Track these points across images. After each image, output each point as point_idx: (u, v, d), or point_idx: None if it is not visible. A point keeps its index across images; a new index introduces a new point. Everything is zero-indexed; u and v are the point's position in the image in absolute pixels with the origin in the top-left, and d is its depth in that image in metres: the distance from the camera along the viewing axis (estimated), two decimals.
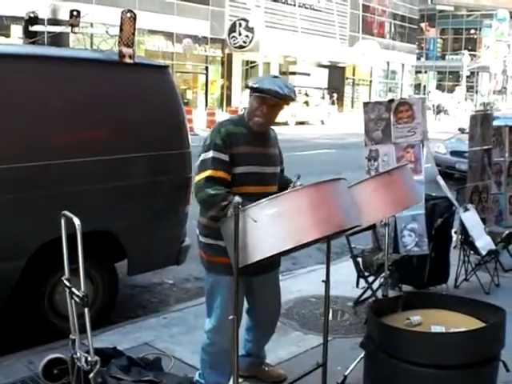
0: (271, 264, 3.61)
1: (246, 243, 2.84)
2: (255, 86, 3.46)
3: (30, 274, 4.51)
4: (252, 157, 3.50)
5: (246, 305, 3.85)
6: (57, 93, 4.57)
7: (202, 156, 3.47)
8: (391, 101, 5.91)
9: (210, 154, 3.42)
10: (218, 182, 3.35)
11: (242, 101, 31.52)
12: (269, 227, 2.80)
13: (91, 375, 3.32)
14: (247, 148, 3.50)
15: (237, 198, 3.18)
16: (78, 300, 3.39)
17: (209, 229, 3.54)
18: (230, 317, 2.99)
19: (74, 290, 3.44)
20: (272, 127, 3.79)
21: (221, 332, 3.59)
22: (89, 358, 3.36)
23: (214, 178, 3.36)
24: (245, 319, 3.90)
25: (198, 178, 3.43)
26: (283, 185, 3.65)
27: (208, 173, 3.37)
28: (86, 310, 3.34)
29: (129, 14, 4.89)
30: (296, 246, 2.84)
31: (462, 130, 15.49)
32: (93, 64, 4.91)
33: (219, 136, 3.45)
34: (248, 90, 3.59)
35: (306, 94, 35.43)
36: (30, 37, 5.49)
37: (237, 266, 2.88)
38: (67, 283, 3.49)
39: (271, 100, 3.44)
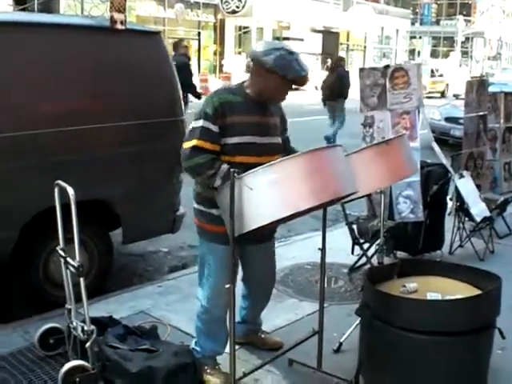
0: (267, 233, 3.59)
1: (242, 211, 2.82)
2: (275, 68, 3.26)
3: (24, 244, 4.49)
4: (247, 126, 3.41)
5: (240, 273, 3.84)
6: (47, 60, 4.50)
7: (193, 123, 3.41)
8: (387, 67, 5.86)
9: (200, 122, 3.35)
10: (204, 152, 3.30)
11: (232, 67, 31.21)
12: (265, 195, 2.78)
13: (88, 344, 3.33)
14: (242, 117, 3.40)
15: (224, 166, 3.18)
16: (73, 270, 3.39)
17: (201, 196, 3.50)
18: (227, 285, 2.98)
19: (69, 259, 3.43)
20: None
21: (214, 299, 3.59)
22: (85, 328, 3.38)
23: (200, 148, 3.30)
24: (240, 286, 3.89)
25: (185, 145, 3.37)
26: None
27: (194, 142, 3.31)
28: (82, 279, 3.33)
29: None
30: (292, 213, 2.83)
31: (456, 96, 15.47)
32: (84, 30, 4.82)
33: (211, 105, 3.36)
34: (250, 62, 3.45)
35: None
36: (20, 4, 5.39)
37: (233, 235, 2.87)
38: (62, 253, 3.48)
39: (287, 81, 3.34)
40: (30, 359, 3.85)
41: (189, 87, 11.57)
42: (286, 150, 3.65)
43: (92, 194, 4.69)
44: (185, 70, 11.32)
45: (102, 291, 5.02)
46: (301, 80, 3.37)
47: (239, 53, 35.49)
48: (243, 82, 3.55)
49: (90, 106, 4.70)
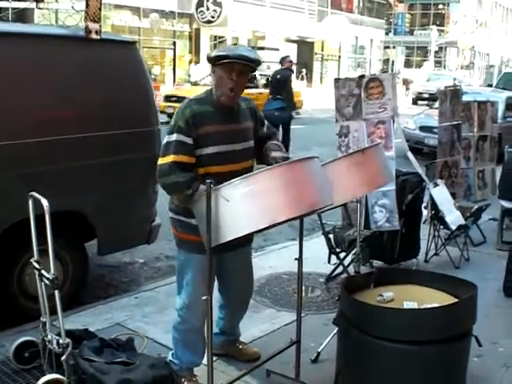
0: (243, 241, 3.58)
1: (218, 223, 2.81)
2: (222, 53, 3.32)
3: None
4: (219, 136, 3.40)
5: (216, 283, 3.82)
6: (21, 70, 4.45)
7: (166, 138, 3.37)
8: (362, 77, 5.89)
9: (174, 137, 3.32)
10: (181, 167, 3.26)
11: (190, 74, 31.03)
12: (242, 207, 2.76)
13: (63, 358, 3.29)
14: (214, 127, 3.39)
15: (202, 187, 3.05)
16: (47, 282, 3.35)
17: (180, 206, 3.47)
18: (204, 297, 2.96)
19: (43, 272, 3.39)
20: (247, 98, 3.71)
21: (192, 310, 3.57)
22: (60, 341, 3.33)
23: (178, 163, 3.26)
24: (216, 297, 3.87)
25: (160, 161, 3.32)
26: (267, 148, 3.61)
27: (171, 158, 3.27)
28: (57, 292, 3.29)
29: None
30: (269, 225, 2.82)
31: (430, 106, 15.62)
32: (58, 40, 4.78)
33: (183, 118, 3.34)
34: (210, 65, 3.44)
35: None
36: None
37: (210, 246, 2.85)
38: (36, 265, 3.44)
39: (239, 66, 3.31)
40: (5, 373, 3.80)
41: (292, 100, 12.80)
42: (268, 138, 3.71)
43: (66, 206, 4.64)
44: (287, 84, 12.53)
45: (78, 303, 4.97)
46: (242, 61, 3.29)
47: None
48: (210, 91, 3.52)
49: (63, 116, 4.66)
